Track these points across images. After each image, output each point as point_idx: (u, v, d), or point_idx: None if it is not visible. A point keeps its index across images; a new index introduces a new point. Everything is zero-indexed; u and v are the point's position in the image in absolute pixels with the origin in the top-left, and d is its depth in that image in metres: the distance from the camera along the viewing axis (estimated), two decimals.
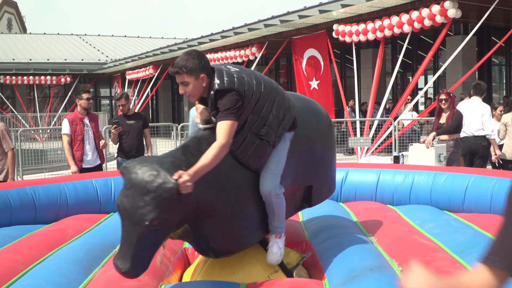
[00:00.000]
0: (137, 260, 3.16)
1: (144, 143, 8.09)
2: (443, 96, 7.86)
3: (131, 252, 3.13)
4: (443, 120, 7.87)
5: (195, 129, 3.89)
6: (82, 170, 7.59)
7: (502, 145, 9.49)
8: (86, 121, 7.70)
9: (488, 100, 14.72)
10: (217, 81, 3.50)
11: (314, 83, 15.98)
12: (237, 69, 3.66)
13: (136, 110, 23.91)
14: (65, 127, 7.63)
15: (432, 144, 7.68)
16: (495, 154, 9.13)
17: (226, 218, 3.59)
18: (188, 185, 3.16)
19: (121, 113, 8.01)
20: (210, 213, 3.50)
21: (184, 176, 3.15)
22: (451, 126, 7.71)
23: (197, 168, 3.25)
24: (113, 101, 31.21)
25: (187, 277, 4.16)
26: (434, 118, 8.40)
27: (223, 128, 3.43)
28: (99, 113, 20.10)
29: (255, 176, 3.73)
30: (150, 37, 42.35)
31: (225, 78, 3.51)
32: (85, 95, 7.73)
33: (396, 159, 10.09)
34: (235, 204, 3.62)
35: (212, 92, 3.51)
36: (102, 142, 7.69)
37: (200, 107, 3.90)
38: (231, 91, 3.47)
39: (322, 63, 15.65)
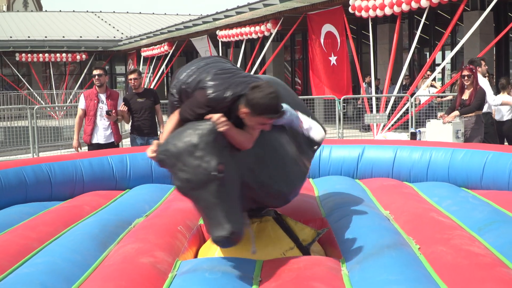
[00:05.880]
0: (232, 217, 3.09)
1: (156, 120, 8.06)
2: (465, 72, 7.60)
3: (221, 213, 3.07)
4: (465, 96, 7.63)
5: None
6: (92, 145, 7.63)
7: (506, 120, 9.32)
8: (103, 97, 7.70)
9: (506, 76, 14.49)
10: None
11: (333, 59, 15.85)
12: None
13: (151, 87, 23.97)
14: (81, 102, 7.81)
15: (450, 120, 7.56)
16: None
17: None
18: (222, 121, 3.21)
19: (132, 87, 7.94)
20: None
21: (213, 116, 3.21)
22: (474, 106, 7.48)
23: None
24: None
25: (202, 253, 4.16)
26: (449, 94, 8.23)
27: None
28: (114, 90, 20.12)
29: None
30: (165, 13, 42.14)
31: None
32: (95, 72, 7.77)
33: (413, 136, 10.00)
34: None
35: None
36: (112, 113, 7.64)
37: None
38: None
39: (338, 39, 15.48)
